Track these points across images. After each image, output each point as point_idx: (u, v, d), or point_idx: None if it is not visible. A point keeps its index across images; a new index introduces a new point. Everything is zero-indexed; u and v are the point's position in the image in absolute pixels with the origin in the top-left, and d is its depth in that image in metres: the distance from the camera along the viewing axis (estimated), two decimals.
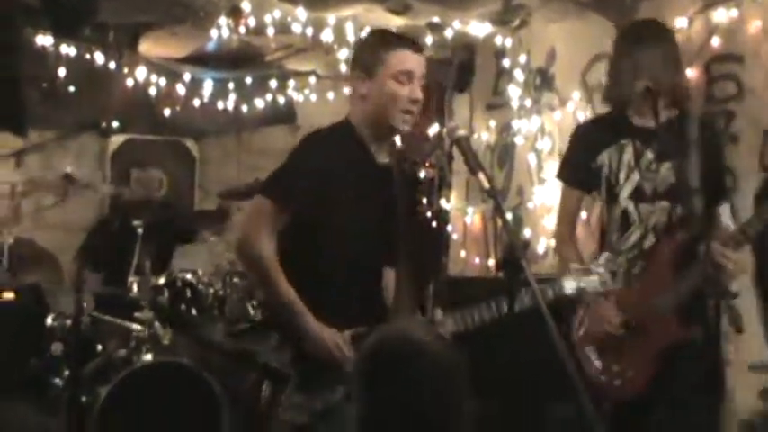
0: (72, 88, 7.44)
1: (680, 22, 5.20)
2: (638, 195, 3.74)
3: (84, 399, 5.09)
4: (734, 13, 5.07)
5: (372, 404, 2.11)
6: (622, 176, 3.76)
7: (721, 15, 5.13)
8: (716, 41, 5.16)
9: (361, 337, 3.15)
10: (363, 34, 6.44)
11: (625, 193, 3.75)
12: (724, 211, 3.77)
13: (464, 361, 2.17)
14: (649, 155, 3.74)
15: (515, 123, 6.76)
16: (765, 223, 3.61)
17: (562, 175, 4.00)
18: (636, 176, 3.74)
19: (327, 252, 3.26)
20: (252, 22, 6.34)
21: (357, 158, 3.32)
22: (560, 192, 4.02)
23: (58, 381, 5.32)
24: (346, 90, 7.92)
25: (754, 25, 4.99)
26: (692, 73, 5.15)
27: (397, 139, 3.35)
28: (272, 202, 3.25)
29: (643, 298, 3.63)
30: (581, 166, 3.86)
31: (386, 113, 3.26)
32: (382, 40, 3.38)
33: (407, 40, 3.39)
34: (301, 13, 6.08)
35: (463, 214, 7.00)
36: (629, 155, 3.76)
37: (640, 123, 3.76)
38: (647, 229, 3.72)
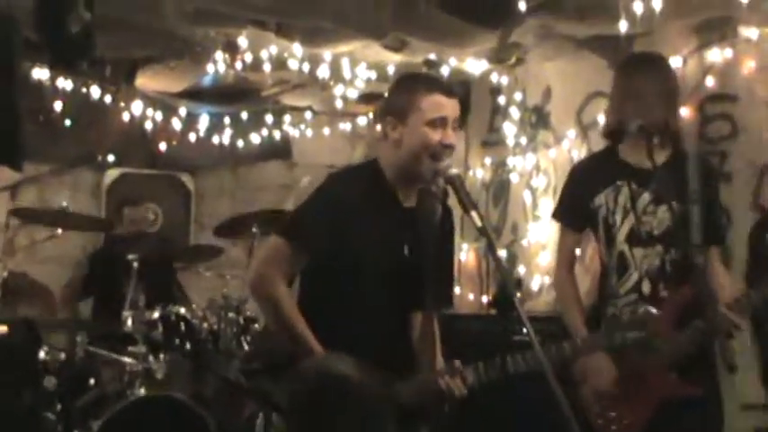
0: (68, 122, 7.44)
1: (674, 62, 5.24)
2: (632, 239, 3.72)
3: None
4: (728, 53, 5.12)
5: None
6: (618, 218, 3.74)
7: (715, 55, 5.18)
8: (710, 81, 5.21)
9: (386, 383, 3.14)
10: (359, 70, 6.51)
11: (622, 235, 3.73)
12: (712, 254, 3.75)
13: (387, 396, 2.18)
14: (646, 197, 3.72)
15: (510, 160, 6.79)
16: (756, 304, 3.60)
17: (558, 215, 3.99)
18: (631, 219, 3.72)
19: (348, 295, 3.24)
20: (248, 57, 6.37)
21: (382, 200, 3.29)
22: (558, 233, 4.01)
23: (50, 415, 5.27)
24: (342, 126, 8.02)
25: (748, 65, 5.04)
26: (686, 112, 5.19)
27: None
28: (289, 243, 3.23)
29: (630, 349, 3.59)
30: (578, 206, 3.85)
31: (417, 159, 3.22)
32: (415, 85, 3.33)
33: (440, 84, 3.36)
34: (298, 49, 6.11)
35: (457, 251, 7.01)
36: (624, 197, 3.74)
37: (636, 163, 3.74)
38: (641, 273, 3.70)
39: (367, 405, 2.12)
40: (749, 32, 5.01)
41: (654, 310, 3.46)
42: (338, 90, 7.06)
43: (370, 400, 2.14)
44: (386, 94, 3.54)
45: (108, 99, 7.19)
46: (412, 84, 3.37)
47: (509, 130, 6.82)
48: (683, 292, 3.60)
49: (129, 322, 5.49)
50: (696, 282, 3.48)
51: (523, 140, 6.71)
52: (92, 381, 5.52)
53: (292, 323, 3.18)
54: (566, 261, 3.92)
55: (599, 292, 3.88)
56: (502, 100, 6.91)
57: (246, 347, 5.60)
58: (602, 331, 3.56)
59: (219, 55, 6.40)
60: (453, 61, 6.37)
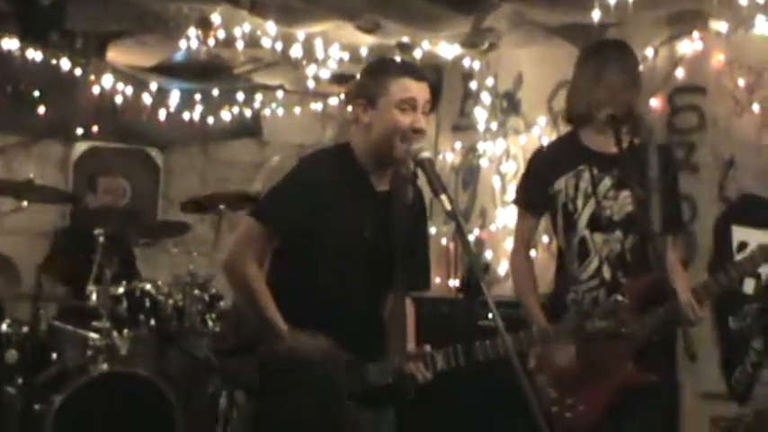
0: (37, 93, 7.38)
1: (646, 52, 5.28)
2: (593, 224, 3.70)
3: (37, 407, 5.03)
4: (698, 45, 5.16)
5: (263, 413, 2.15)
6: (580, 204, 3.74)
7: (686, 47, 5.22)
8: (680, 73, 5.25)
9: (348, 365, 3.15)
10: (332, 51, 6.49)
11: (582, 221, 3.72)
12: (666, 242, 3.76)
13: (343, 376, 2.19)
14: (607, 182, 3.72)
15: (481, 146, 6.82)
16: (730, 282, 3.63)
17: (518, 199, 3.98)
18: (593, 204, 3.73)
19: (320, 276, 3.25)
20: (221, 34, 6.33)
21: (354, 184, 3.30)
22: (517, 216, 4.02)
23: (11, 389, 5.25)
24: (313, 106, 8.00)
25: (718, 58, 5.09)
26: (655, 103, 5.23)
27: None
28: (262, 225, 3.24)
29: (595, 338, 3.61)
30: (537, 191, 3.83)
31: (388, 143, 3.23)
32: (385, 69, 3.35)
33: (410, 68, 3.36)
34: (271, 27, 6.09)
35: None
36: (585, 182, 3.71)
37: (598, 148, 3.72)
38: (602, 259, 3.71)
39: (328, 384, 2.14)
40: (719, 26, 5.05)
41: (622, 299, 3.49)
42: (310, 70, 7.04)
43: (332, 378, 2.15)
44: (358, 78, 3.53)
45: (78, 72, 7.12)
46: (382, 68, 3.38)
47: (480, 115, 6.84)
48: (643, 279, 3.62)
49: (94, 297, 5.47)
50: (656, 269, 3.50)
51: (494, 126, 6.74)
52: (54, 355, 5.49)
53: (262, 304, 3.19)
54: (523, 245, 3.90)
55: (555, 278, 3.88)
56: (473, 85, 6.93)
57: (211, 325, 5.60)
58: (571, 319, 3.57)
59: (192, 31, 6.35)
60: (426, 45, 6.37)
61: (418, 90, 3.26)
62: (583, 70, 3.80)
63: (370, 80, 3.35)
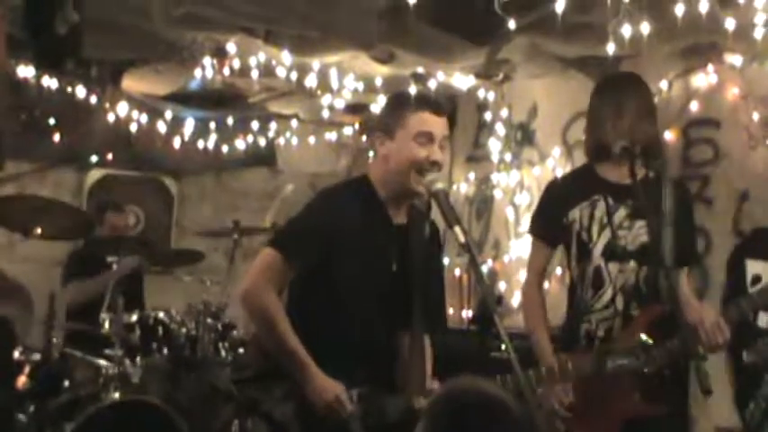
0: (52, 121, 7.42)
1: (660, 85, 5.28)
2: (608, 253, 3.70)
3: None
4: (713, 78, 5.16)
5: None
6: (595, 233, 3.73)
7: (700, 80, 5.22)
8: (694, 106, 5.25)
9: (366, 397, 3.16)
10: (347, 81, 6.52)
11: (597, 250, 3.71)
12: (681, 274, 3.75)
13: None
14: (622, 212, 3.72)
15: (495, 177, 6.82)
16: (742, 315, 3.60)
17: (533, 229, 3.98)
18: (608, 233, 3.73)
19: (337, 308, 3.25)
20: (236, 63, 6.36)
21: (372, 216, 3.31)
22: (531, 247, 4.01)
23: (23, 416, 5.23)
24: (327, 135, 8.02)
25: (732, 92, 5.09)
26: (670, 136, 5.23)
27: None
28: (281, 255, 3.23)
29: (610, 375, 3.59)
30: (552, 220, 3.83)
31: (404, 175, 3.24)
32: (404, 102, 3.37)
33: (429, 101, 3.36)
34: (286, 57, 6.11)
35: None
36: (601, 211, 3.71)
37: (614, 179, 3.72)
38: (615, 289, 3.70)
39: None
40: (734, 59, 5.05)
41: (648, 340, 3.48)
42: (325, 99, 7.06)
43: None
44: (375, 109, 3.55)
45: (93, 100, 7.16)
46: (401, 101, 3.40)
47: (494, 146, 6.84)
48: (653, 309, 3.61)
49: (107, 325, 5.47)
50: (668, 301, 3.48)
51: (508, 157, 6.74)
52: (66, 383, 5.48)
53: (283, 336, 3.18)
54: (536, 276, 3.90)
55: (568, 308, 3.86)
56: (488, 116, 6.93)
57: (224, 354, 5.59)
58: (592, 357, 3.55)
59: (207, 60, 6.38)
60: (441, 76, 6.39)
61: (436, 124, 3.27)
62: (600, 103, 3.81)
63: (389, 113, 3.37)
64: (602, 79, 4.12)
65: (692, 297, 3.76)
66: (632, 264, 3.67)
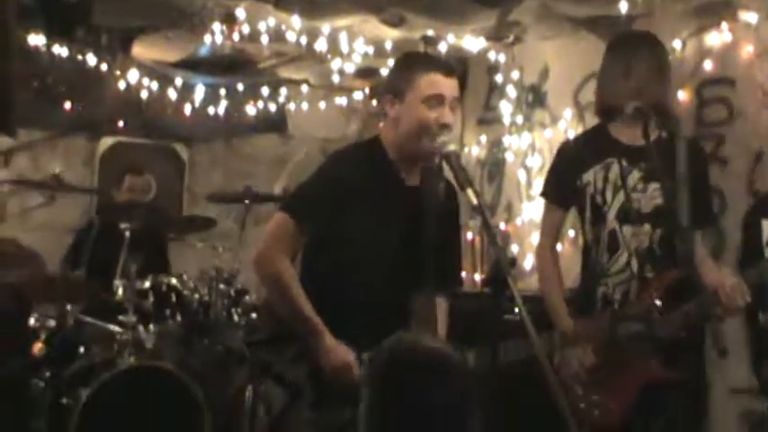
0: (63, 89, 7.41)
1: (673, 44, 5.23)
2: (623, 216, 3.68)
3: (65, 401, 5.06)
4: (727, 37, 5.10)
5: (384, 411, 2.11)
6: (609, 196, 3.71)
7: (714, 39, 5.16)
8: (708, 65, 5.19)
9: None
10: (357, 45, 6.48)
11: (612, 213, 3.69)
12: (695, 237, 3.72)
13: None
14: (636, 174, 3.69)
15: (506, 139, 6.78)
16: (760, 278, 3.58)
17: (546, 192, 3.95)
18: (621, 196, 3.70)
19: (349, 271, 3.25)
20: (246, 29, 6.33)
21: (384, 178, 3.30)
22: (544, 209, 3.99)
23: (39, 382, 5.28)
24: (338, 100, 7.99)
25: (747, 50, 5.03)
26: (683, 95, 5.18)
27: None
28: (293, 220, 3.24)
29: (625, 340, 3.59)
30: (565, 183, 3.80)
31: (415, 137, 3.22)
32: (413, 63, 3.35)
33: (439, 63, 3.34)
34: (296, 21, 6.08)
35: None
36: (614, 174, 3.69)
37: (627, 141, 3.69)
38: (630, 252, 3.68)
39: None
40: (748, 17, 4.99)
41: (658, 303, 3.48)
42: (335, 64, 7.03)
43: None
44: (385, 72, 3.53)
45: (104, 67, 7.15)
46: (410, 62, 3.38)
47: (505, 108, 6.80)
48: (669, 274, 3.59)
49: (120, 291, 5.50)
50: (684, 264, 3.47)
51: (519, 119, 6.70)
52: (81, 349, 5.52)
53: (296, 300, 3.19)
54: (549, 239, 3.89)
55: (583, 271, 3.85)
56: (499, 78, 6.89)
57: (237, 319, 5.61)
58: (604, 322, 3.55)
59: (217, 26, 6.36)
60: (451, 38, 6.34)
61: (446, 85, 3.25)
62: (611, 62, 3.77)
63: (398, 75, 3.35)
64: (614, 37, 4.08)
65: (707, 259, 3.74)
66: (647, 227, 3.66)
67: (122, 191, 6.64)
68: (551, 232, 3.90)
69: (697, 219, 3.60)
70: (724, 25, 5.12)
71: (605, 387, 3.61)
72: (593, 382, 3.62)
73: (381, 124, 3.41)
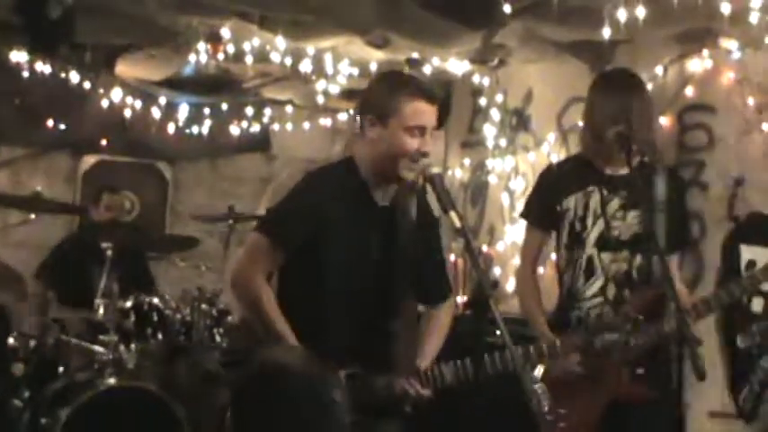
0: (45, 106, 7.39)
1: (655, 71, 5.27)
2: (601, 243, 3.73)
3: (44, 421, 5.01)
4: (708, 63, 5.15)
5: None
6: (589, 223, 3.76)
7: (696, 65, 5.21)
8: (689, 91, 5.24)
9: (353, 378, 3.17)
10: (341, 66, 6.49)
11: (591, 240, 3.74)
12: (672, 261, 3.76)
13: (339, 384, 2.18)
14: (616, 202, 3.75)
15: (490, 162, 6.81)
16: (731, 299, 3.62)
17: (527, 214, 4.00)
18: (601, 224, 3.75)
19: (324, 290, 3.26)
20: (231, 48, 6.34)
21: (356, 198, 3.31)
22: (524, 231, 4.03)
23: (18, 402, 5.23)
24: (322, 121, 8.01)
25: (727, 76, 5.08)
26: (664, 121, 5.22)
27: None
28: (268, 240, 3.26)
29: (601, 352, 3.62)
30: (546, 207, 3.86)
31: (393, 162, 3.23)
32: (398, 87, 3.30)
33: (423, 89, 3.30)
34: (281, 42, 6.09)
35: None
36: (595, 201, 3.75)
37: (608, 170, 3.76)
38: (608, 277, 3.73)
39: (306, 395, 2.13)
40: (729, 44, 5.04)
41: (629, 311, 3.51)
42: (320, 85, 7.05)
43: (321, 389, 2.14)
44: (367, 87, 3.53)
45: (87, 85, 7.14)
46: (395, 85, 3.34)
47: (489, 131, 6.83)
48: (645, 293, 3.63)
49: (101, 311, 5.46)
50: (659, 285, 3.51)
51: (503, 142, 6.73)
52: (61, 368, 5.48)
53: (272, 320, 3.20)
54: (529, 260, 3.94)
55: (559, 295, 3.89)
56: (483, 101, 6.92)
57: (219, 339, 5.59)
58: (580, 335, 3.58)
59: (202, 45, 6.36)
60: (436, 61, 6.37)
61: (429, 114, 3.26)
62: (604, 101, 3.81)
63: (381, 96, 3.31)
64: (603, 76, 4.11)
65: (679, 283, 3.78)
66: (625, 253, 3.72)
67: (100, 209, 6.63)
68: (531, 254, 3.95)
69: (673, 242, 3.66)
70: (705, 52, 5.17)
71: (574, 400, 3.64)
72: (562, 395, 3.65)
73: (358, 141, 3.41)
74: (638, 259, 3.70)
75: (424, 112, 3.24)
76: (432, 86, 3.52)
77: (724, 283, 4.65)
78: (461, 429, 5.00)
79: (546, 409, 3.64)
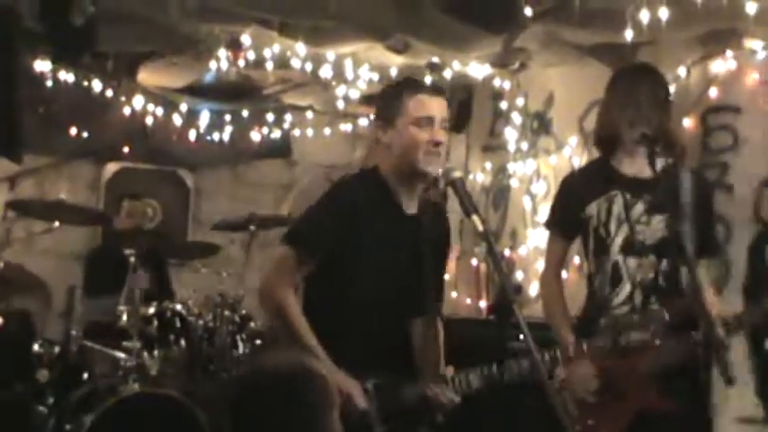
0: (68, 114, 7.43)
1: (678, 72, 5.24)
2: (627, 249, 3.69)
3: (68, 427, 5.04)
4: (732, 64, 5.11)
5: None
6: (613, 228, 3.73)
7: (719, 66, 5.17)
8: (713, 92, 5.20)
9: (381, 388, 3.17)
10: (362, 71, 6.49)
11: (616, 245, 3.70)
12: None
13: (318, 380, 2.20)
14: (640, 207, 3.71)
15: (511, 166, 6.78)
16: (764, 316, 3.58)
17: (550, 223, 3.98)
18: (626, 229, 3.72)
19: (351, 300, 3.27)
20: (251, 55, 6.36)
21: (384, 207, 3.32)
22: (548, 239, 4.01)
23: (42, 408, 5.26)
24: (343, 126, 8.01)
25: (752, 77, 5.04)
26: (688, 123, 5.18)
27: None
28: (295, 251, 3.27)
29: (629, 361, 3.59)
30: (569, 215, 3.82)
31: (410, 159, 3.25)
32: (399, 88, 3.39)
33: (424, 84, 3.39)
34: (301, 48, 6.10)
35: (456, 255, 6.99)
36: (618, 206, 3.70)
37: (631, 173, 3.70)
38: (635, 284, 3.68)
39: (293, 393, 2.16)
40: (754, 44, 5.00)
41: (659, 308, 3.49)
42: (340, 90, 7.05)
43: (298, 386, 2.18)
44: (375, 100, 3.60)
45: (109, 93, 7.17)
46: (397, 88, 3.43)
47: (510, 135, 6.81)
48: (675, 304, 3.59)
49: (125, 317, 5.48)
50: (690, 295, 3.47)
51: (524, 146, 6.70)
52: (85, 375, 5.51)
53: (299, 331, 3.21)
54: (553, 268, 3.91)
55: (587, 301, 3.85)
56: (504, 105, 6.90)
57: (241, 345, 5.60)
58: (606, 334, 3.56)
59: (222, 52, 6.38)
60: (456, 65, 6.36)
61: (434, 105, 3.29)
62: (613, 92, 3.78)
63: (386, 101, 3.40)
64: (615, 72, 4.09)
65: (708, 292, 3.73)
66: (651, 258, 3.66)
67: (121, 216, 6.66)
68: (555, 261, 3.92)
69: (701, 249, 3.61)
70: (729, 53, 5.13)
71: (601, 412, 3.60)
72: (589, 406, 3.61)
73: (378, 153, 3.44)
74: (665, 264, 3.66)
75: (428, 103, 3.28)
76: (435, 82, 3.58)
77: (751, 286, 4.61)
78: None
79: (574, 418, 3.62)
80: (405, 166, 3.28)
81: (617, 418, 3.59)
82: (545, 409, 2.64)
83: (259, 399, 2.17)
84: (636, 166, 3.67)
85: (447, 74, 6.39)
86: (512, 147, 6.80)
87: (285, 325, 3.25)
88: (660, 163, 3.60)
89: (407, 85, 3.43)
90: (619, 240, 3.69)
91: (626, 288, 3.68)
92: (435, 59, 6.31)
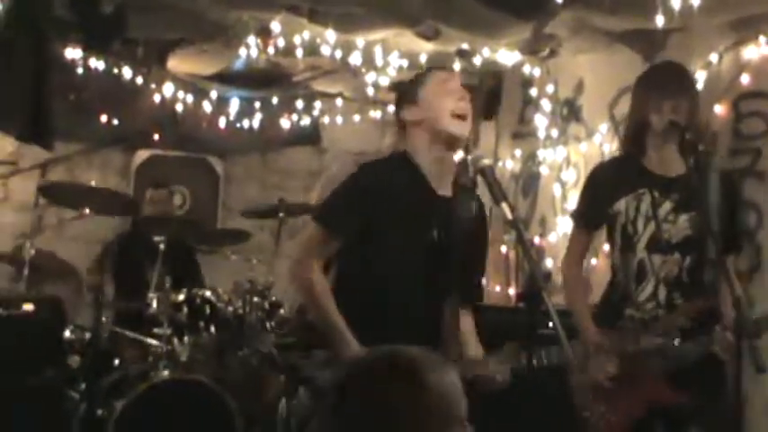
0: (99, 102, 7.47)
1: (710, 58, 5.19)
2: (652, 246, 3.73)
3: (99, 412, 5.09)
4: (764, 50, 5.05)
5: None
6: (640, 226, 3.75)
7: (751, 52, 5.11)
8: (745, 78, 5.14)
9: None
10: (391, 58, 6.48)
11: (642, 243, 3.74)
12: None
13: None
14: (667, 205, 3.73)
15: (541, 153, 6.75)
16: None
17: (577, 216, 4.02)
18: (652, 227, 3.72)
19: (379, 279, 3.31)
20: (281, 42, 6.35)
21: (414, 186, 3.35)
22: (572, 229, 4.04)
23: (74, 393, 5.31)
24: (372, 113, 8.00)
25: None
26: (720, 109, 5.14)
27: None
28: (323, 229, 3.34)
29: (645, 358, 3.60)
30: (597, 209, 3.88)
31: (437, 126, 3.32)
32: (417, 75, 3.54)
33: (437, 66, 3.57)
34: (331, 35, 6.09)
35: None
36: (646, 204, 3.76)
37: (659, 171, 3.76)
38: (659, 280, 3.70)
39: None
40: None
41: (682, 318, 3.50)
42: (370, 77, 7.04)
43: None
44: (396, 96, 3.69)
45: (139, 80, 7.20)
46: (415, 76, 3.58)
47: (540, 122, 6.78)
48: (697, 303, 3.60)
49: (155, 304, 5.52)
50: (709, 294, 3.49)
51: (554, 133, 6.66)
52: (116, 361, 5.56)
53: (325, 310, 3.26)
54: (576, 257, 3.98)
55: (608, 290, 3.87)
56: (533, 92, 6.86)
57: (270, 332, 5.62)
58: (629, 331, 3.57)
59: (252, 39, 6.38)
60: (486, 51, 6.33)
61: (452, 80, 3.42)
62: (643, 84, 3.80)
63: (407, 87, 3.53)
64: (643, 73, 4.10)
65: (735, 285, 3.74)
66: (676, 255, 3.71)
67: (145, 204, 6.70)
68: (578, 252, 3.99)
69: (727, 247, 3.66)
70: (762, 39, 5.07)
71: (613, 400, 3.64)
72: (603, 393, 3.63)
73: (407, 137, 3.47)
74: (689, 261, 3.69)
75: (446, 78, 3.42)
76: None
77: None
78: (502, 424, 4.98)
79: (587, 404, 3.64)
80: (433, 134, 3.33)
81: (628, 407, 3.62)
82: (562, 399, 2.65)
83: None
84: (664, 164, 3.70)
85: (477, 60, 6.36)
86: (541, 134, 6.76)
87: (312, 302, 3.34)
88: (691, 154, 3.61)
89: (423, 71, 3.62)
90: (645, 237, 3.75)
91: (650, 284, 3.72)
92: (465, 46, 6.28)
